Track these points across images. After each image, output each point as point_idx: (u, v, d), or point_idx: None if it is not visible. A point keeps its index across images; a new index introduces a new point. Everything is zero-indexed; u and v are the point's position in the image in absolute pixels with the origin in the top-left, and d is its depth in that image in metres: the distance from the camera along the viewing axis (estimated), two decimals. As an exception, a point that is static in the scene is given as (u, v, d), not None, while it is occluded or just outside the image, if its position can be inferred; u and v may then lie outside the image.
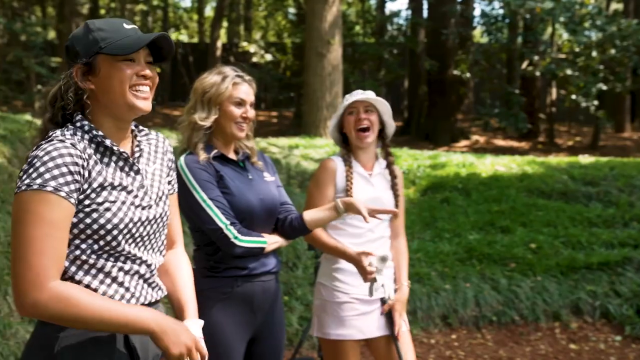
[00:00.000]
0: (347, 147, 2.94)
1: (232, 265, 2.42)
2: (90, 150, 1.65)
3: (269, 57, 18.96)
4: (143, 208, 1.72)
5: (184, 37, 26.76)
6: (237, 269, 2.43)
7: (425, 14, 17.39)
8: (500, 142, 16.37)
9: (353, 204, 2.46)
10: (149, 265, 1.78)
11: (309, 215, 2.54)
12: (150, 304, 1.78)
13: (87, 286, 1.65)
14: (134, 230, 1.69)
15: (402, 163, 8.18)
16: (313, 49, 11.19)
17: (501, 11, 14.98)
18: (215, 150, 2.49)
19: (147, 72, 1.71)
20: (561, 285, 5.99)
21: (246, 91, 2.50)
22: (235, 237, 2.36)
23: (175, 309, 1.88)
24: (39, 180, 1.53)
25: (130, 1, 21.64)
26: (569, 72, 13.87)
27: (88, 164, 1.62)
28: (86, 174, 1.62)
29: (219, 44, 18.86)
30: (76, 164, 1.59)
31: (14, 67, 12.62)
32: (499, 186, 8.22)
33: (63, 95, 1.70)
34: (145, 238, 1.75)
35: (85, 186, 1.61)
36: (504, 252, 6.38)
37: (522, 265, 6.22)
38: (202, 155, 2.43)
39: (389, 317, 2.84)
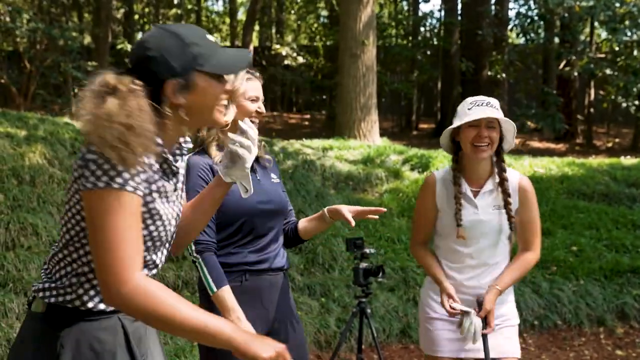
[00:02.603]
0: (457, 156, 2.69)
1: (241, 262, 2.45)
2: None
3: (300, 59, 18.97)
4: (172, 215, 1.70)
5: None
6: (247, 264, 2.46)
7: (459, 14, 17.21)
8: (536, 143, 16.08)
9: (338, 212, 2.47)
10: (156, 268, 1.76)
11: (302, 225, 2.61)
12: None
13: (88, 280, 1.62)
14: (162, 234, 1.67)
15: (437, 164, 8.06)
16: (347, 50, 11.13)
17: (537, 11, 14.72)
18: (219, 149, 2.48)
19: (229, 87, 1.68)
20: (605, 289, 5.82)
21: (258, 87, 2.52)
22: (196, 255, 2.35)
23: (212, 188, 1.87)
24: (120, 180, 1.50)
25: (165, 5, 21.87)
26: (608, 71, 13.56)
27: (150, 170, 1.60)
28: (148, 177, 1.59)
29: (251, 47, 18.93)
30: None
31: (52, 72, 12.82)
32: (538, 188, 7.98)
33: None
34: (164, 243, 1.73)
35: (144, 186, 1.58)
36: (545, 255, 6.23)
37: (564, 268, 6.06)
38: (217, 155, 2.44)
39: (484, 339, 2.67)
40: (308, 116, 19.70)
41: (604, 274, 5.99)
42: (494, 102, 2.65)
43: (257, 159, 2.57)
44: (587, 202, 7.68)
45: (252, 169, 2.52)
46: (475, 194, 2.67)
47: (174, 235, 1.79)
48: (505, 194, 2.64)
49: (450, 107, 17.19)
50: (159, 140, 1.61)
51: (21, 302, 3.92)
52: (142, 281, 1.49)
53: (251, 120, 2.46)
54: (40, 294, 1.64)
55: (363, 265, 3.76)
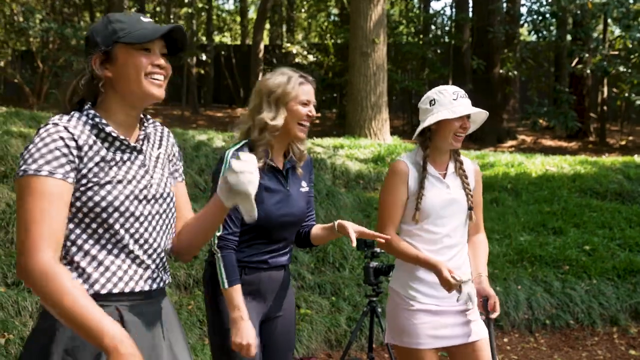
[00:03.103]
0: (426, 147, 2.80)
1: (242, 258, 2.50)
2: (88, 134, 1.71)
3: (311, 58, 18.96)
4: (144, 187, 1.78)
5: (227, 39, 27.02)
6: (247, 262, 2.52)
7: (470, 12, 17.13)
8: (548, 142, 15.99)
9: (345, 228, 2.52)
10: (152, 251, 1.79)
11: (314, 232, 2.70)
12: (149, 292, 1.79)
13: (82, 269, 1.70)
14: (132, 208, 1.73)
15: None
16: (357, 49, 11.11)
17: (549, 8, 14.62)
18: (268, 159, 2.52)
19: (162, 62, 1.78)
20: (618, 288, 5.78)
21: (310, 91, 2.56)
22: (216, 249, 2.44)
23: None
24: (33, 166, 1.62)
25: (175, 5, 21.95)
26: (621, 69, 13.44)
27: (83, 145, 1.69)
28: (82, 154, 1.68)
29: (262, 45, 18.95)
30: (67, 145, 1.66)
31: (65, 71, 12.91)
32: (550, 186, 8.01)
33: (76, 87, 1.79)
34: (148, 218, 1.77)
35: (81, 166, 1.68)
36: (557, 254, 6.19)
37: (576, 267, 6.02)
38: (261, 160, 2.46)
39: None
40: (319, 114, 19.68)
41: (617, 273, 5.95)
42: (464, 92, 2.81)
43: (293, 167, 2.60)
44: (600, 201, 7.63)
45: (285, 177, 2.57)
46: (443, 176, 2.79)
47: (172, 222, 1.86)
48: (464, 175, 2.82)
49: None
50: (103, 120, 1.73)
51: (34, 300, 3.95)
52: (46, 262, 1.57)
53: (301, 124, 2.53)
54: None
55: (373, 264, 3.76)
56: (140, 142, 1.82)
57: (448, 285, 2.60)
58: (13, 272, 4.14)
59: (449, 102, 2.71)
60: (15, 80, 13.24)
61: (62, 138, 1.66)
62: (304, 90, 2.52)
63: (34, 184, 1.60)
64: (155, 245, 1.80)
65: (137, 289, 1.76)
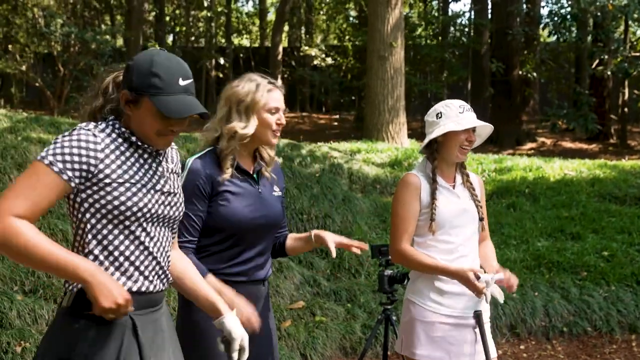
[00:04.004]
0: (434, 159, 2.83)
1: (220, 272, 2.43)
2: (114, 140, 1.84)
3: (329, 60, 18.97)
4: (163, 193, 1.89)
5: (245, 42, 27.13)
6: (225, 275, 2.43)
7: (489, 14, 17.02)
8: (568, 144, 15.84)
9: (323, 239, 2.53)
10: (164, 252, 1.91)
11: (290, 242, 2.68)
12: (157, 292, 1.91)
13: (100, 263, 1.81)
14: (153, 211, 1.84)
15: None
16: (375, 52, 11.11)
17: (569, 9, 14.48)
18: (235, 164, 2.48)
19: (176, 128, 1.87)
20: (637, 295, 5.72)
21: (279, 98, 2.51)
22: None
23: (205, 306, 2.04)
24: (51, 158, 1.74)
25: (195, 7, 22.09)
26: (643, 70, 13.28)
27: (106, 152, 1.80)
28: (103, 158, 1.79)
29: (280, 48, 19.01)
30: (90, 149, 1.77)
31: (85, 75, 13.05)
32: (568, 191, 7.93)
33: (113, 89, 1.91)
34: (165, 222, 1.90)
35: (101, 166, 1.78)
36: (575, 260, 6.14)
37: (594, 274, 5.97)
38: (228, 170, 2.44)
39: (477, 341, 2.76)
40: (337, 117, 19.70)
41: (636, 279, 5.88)
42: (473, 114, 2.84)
43: (261, 174, 2.56)
44: (619, 206, 7.54)
45: (256, 182, 2.53)
46: (453, 187, 2.83)
47: (175, 220, 1.96)
48: (472, 187, 2.87)
49: (480, 108, 17.03)
50: (127, 130, 1.86)
51: (51, 308, 4.00)
52: (15, 221, 1.69)
53: (274, 133, 2.50)
54: (67, 285, 1.84)
55: (388, 272, 3.75)
56: (159, 154, 1.94)
57: (476, 290, 2.61)
58: (30, 280, 4.20)
59: (455, 115, 2.75)
60: (36, 84, 13.41)
61: (87, 142, 1.78)
62: (272, 97, 2.47)
63: (41, 169, 1.74)
64: (167, 248, 1.93)
65: (152, 289, 1.88)
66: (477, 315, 2.74)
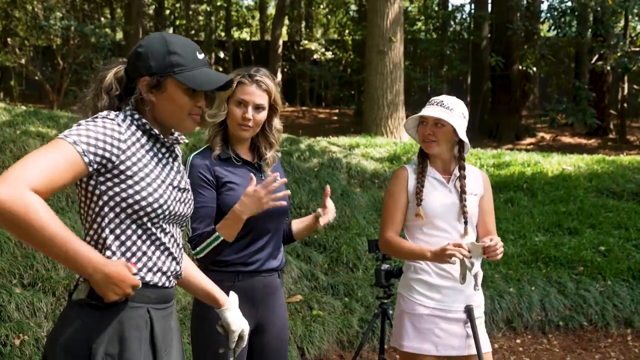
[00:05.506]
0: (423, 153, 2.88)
1: (237, 262, 2.44)
2: (134, 133, 1.79)
3: (329, 54, 18.96)
4: (180, 190, 1.87)
5: (245, 35, 27.09)
6: (241, 265, 2.45)
7: (489, 8, 17.00)
8: (567, 139, 15.85)
9: (325, 205, 2.62)
10: (179, 248, 1.90)
11: (295, 226, 2.68)
12: (171, 288, 1.90)
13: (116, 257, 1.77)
14: (171, 208, 1.82)
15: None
16: (374, 47, 11.10)
17: (569, 4, 14.47)
18: (221, 150, 2.48)
19: (204, 103, 1.87)
20: (633, 290, 5.74)
21: (250, 92, 2.42)
22: (195, 253, 2.40)
23: (203, 298, 2.07)
24: (75, 138, 1.67)
25: (195, 1, 22.05)
26: (642, 65, 13.28)
27: (128, 144, 1.75)
28: (125, 149, 1.74)
29: (280, 41, 18.99)
30: (114, 138, 1.72)
31: (84, 68, 13.04)
32: (566, 186, 7.95)
33: (116, 86, 1.85)
34: (178, 219, 1.88)
35: (123, 157, 1.73)
36: (572, 255, 6.17)
37: (591, 268, 5.99)
38: (217, 151, 2.45)
39: (469, 336, 2.75)
40: (337, 111, 19.70)
41: (632, 274, 5.90)
42: (449, 101, 2.79)
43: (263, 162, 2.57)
44: (617, 201, 7.56)
45: (257, 168, 2.54)
46: (447, 180, 2.84)
47: (186, 217, 1.94)
48: (464, 184, 2.81)
49: (480, 102, 17.04)
50: (147, 123, 1.81)
51: (49, 301, 4.01)
52: (28, 194, 1.55)
53: (242, 126, 2.43)
54: (82, 279, 1.76)
55: (385, 266, 3.78)
56: (175, 149, 1.93)
57: (447, 253, 2.55)
58: (29, 274, 4.22)
59: (424, 110, 2.80)
60: (36, 77, 13.40)
61: (112, 130, 1.72)
62: (241, 90, 2.41)
63: (64, 147, 1.65)
64: (180, 244, 1.93)
65: (167, 284, 1.87)
66: (468, 310, 2.76)
